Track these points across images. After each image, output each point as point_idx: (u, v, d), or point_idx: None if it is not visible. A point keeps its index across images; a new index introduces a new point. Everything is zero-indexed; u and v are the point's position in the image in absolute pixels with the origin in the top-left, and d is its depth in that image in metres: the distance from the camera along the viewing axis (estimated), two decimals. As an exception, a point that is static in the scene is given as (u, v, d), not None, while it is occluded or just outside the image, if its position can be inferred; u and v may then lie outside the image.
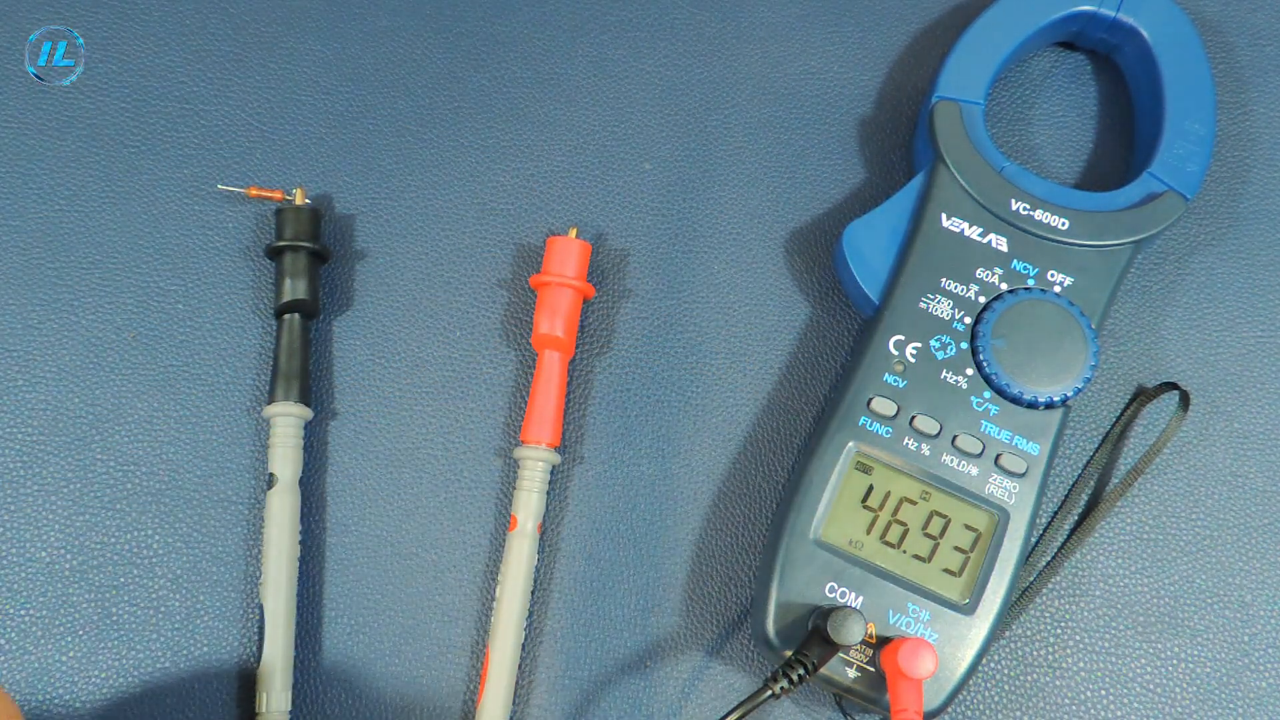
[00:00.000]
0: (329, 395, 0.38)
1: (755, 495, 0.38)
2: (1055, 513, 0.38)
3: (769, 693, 0.31)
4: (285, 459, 0.36)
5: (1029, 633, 0.37)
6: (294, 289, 0.37)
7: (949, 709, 0.33)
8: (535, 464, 0.36)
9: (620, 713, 0.36)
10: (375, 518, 0.37)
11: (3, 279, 0.39)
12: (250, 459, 0.37)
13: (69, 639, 0.36)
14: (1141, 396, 0.38)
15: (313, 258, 0.38)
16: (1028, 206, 0.37)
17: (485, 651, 0.35)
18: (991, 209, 0.37)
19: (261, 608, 0.35)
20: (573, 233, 0.38)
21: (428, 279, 0.39)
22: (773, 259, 0.40)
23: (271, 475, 0.36)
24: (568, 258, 0.38)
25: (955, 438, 0.35)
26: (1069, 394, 0.35)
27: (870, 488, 0.35)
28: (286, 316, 0.38)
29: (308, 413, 0.37)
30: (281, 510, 0.36)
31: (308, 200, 0.39)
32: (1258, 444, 0.38)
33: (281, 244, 0.38)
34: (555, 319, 0.37)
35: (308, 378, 0.37)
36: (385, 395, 0.38)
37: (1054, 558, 0.37)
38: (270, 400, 0.37)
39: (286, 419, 0.36)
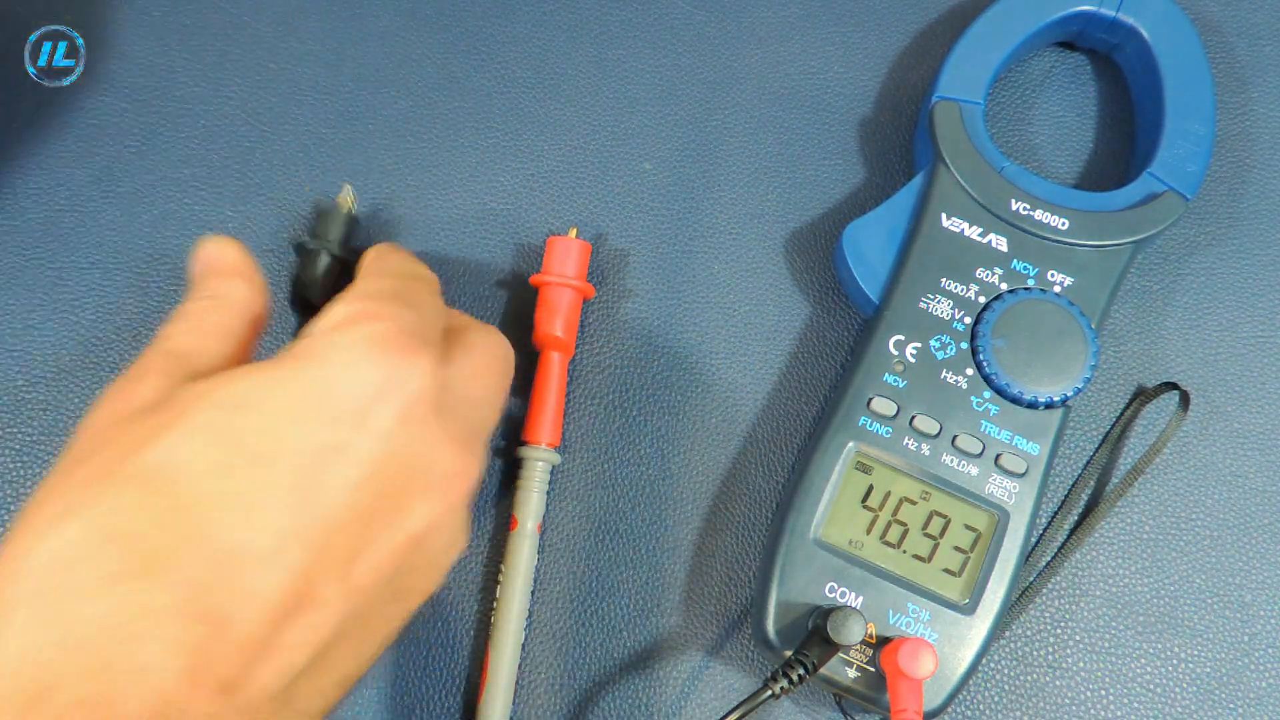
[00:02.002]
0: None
1: (755, 495, 0.38)
2: (1055, 513, 0.38)
3: (769, 693, 0.31)
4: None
5: (1029, 633, 0.37)
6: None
7: (949, 709, 0.33)
8: (536, 464, 0.36)
9: (620, 713, 0.36)
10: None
11: (3, 279, 0.39)
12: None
13: (69, 639, 0.36)
14: (1141, 396, 0.38)
15: (337, 263, 0.38)
16: (1028, 206, 0.37)
17: (485, 651, 0.35)
18: (991, 209, 0.37)
19: None
20: (573, 233, 0.38)
21: (428, 279, 0.39)
22: (773, 259, 0.40)
23: None
24: (568, 257, 0.38)
25: (955, 438, 0.35)
26: (1069, 394, 0.35)
27: (870, 488, 0.35)
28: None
29: None
30: None
31: (352, 205, 0.38)
32: (1258, 444, 0.38)
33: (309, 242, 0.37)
34: (555, 318, 0.37)
35: None
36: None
37: (1054, 558, 0.37)
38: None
39: None
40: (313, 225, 0.38)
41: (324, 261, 0.37)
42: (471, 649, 0.36)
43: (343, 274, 0.38)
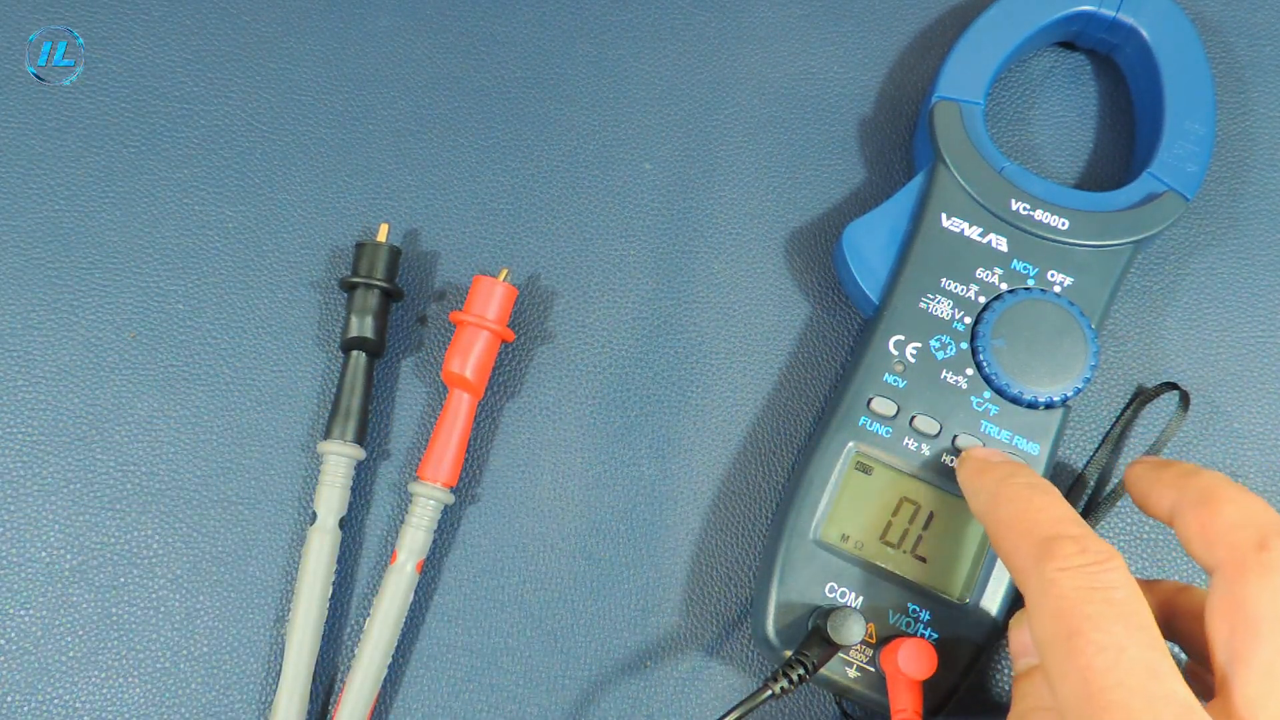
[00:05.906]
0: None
1: (755, 495, 0.38)
2: (1055, 513, 0.37)
3: (769, 693, 0.31)
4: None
5: (1029, 633, 0.37)
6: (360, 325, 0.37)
7: (949, 708, 0.33)
8: (427, 502, 0.36)
9: (620, 713, 0.36)
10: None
11: (3, 279, 0.39)
12: (250, 459, 0.37)
13: (69, 639, 0.36)
14: (1141, 396, 0.38)
15: (384, 296, 0.38)
16: (1028, 206, 0.37)
17: (342, 687, 0.35)
18: (991, 209, 0.37)
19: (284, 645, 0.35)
20: (503, 275, 0.37)
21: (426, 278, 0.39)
22: (773, 259, 0.40)
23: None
24: (490, 299, 0.36)
25: (955, 438, 0.35)
26: (1069, 394, 0.35)
27: (870, 488, 0.35)
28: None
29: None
30: (320, 550, 0.35)
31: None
32: (1257, 444, 0.38)
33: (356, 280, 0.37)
34: (467, 359, 0.36)
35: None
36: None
37: (1054, 558, 0.37)
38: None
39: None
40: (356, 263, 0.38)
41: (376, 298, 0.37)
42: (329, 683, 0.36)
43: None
